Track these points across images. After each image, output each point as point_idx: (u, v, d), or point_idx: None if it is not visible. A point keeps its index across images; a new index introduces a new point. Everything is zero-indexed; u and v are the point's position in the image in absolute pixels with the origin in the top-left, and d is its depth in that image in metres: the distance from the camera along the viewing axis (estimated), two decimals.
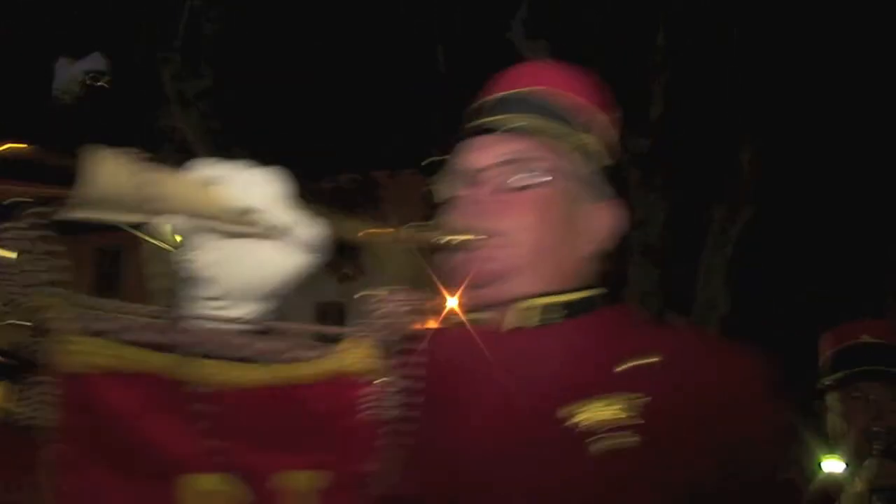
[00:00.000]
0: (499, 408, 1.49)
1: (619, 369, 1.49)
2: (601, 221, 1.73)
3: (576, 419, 1.42)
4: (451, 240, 1.58)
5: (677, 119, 10.59)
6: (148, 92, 12.94)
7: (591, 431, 1.40)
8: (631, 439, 1.39)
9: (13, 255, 1.04)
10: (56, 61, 11.22)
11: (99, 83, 10.77)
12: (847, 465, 3.29)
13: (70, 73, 10.87)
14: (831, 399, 3.52)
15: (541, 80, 1.73)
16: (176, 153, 12.26)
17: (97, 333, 1.09)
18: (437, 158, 1.75)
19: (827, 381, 3.53)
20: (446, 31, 11.73)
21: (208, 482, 1.13)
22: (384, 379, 1.29)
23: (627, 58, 10.85)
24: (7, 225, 1.05)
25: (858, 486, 3.13)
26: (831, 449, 3.47)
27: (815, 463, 3.38)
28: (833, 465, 3.38)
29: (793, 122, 10.67)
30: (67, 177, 1.06)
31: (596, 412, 1.42)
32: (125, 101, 13.35)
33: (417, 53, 11.90)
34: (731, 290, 10.58)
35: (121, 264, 26.32)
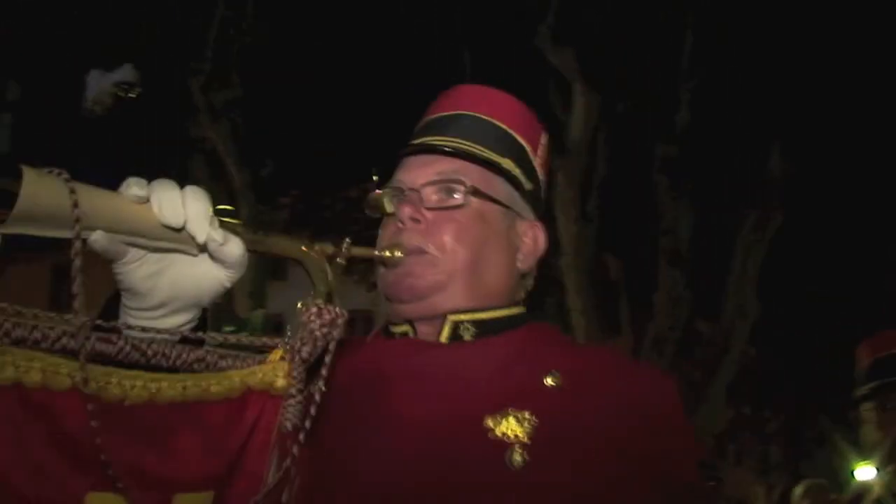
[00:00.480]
0: (420, 418, 1.53)
1: (530, 387, 1.55)
2: (527, 242, 1.79)
3: (496, 430, 1.47)
4: (384, 255, 1.65)
5: (705, 125, 10.57)
6: (178, 103, 13.06)
7: (508, 443, 1.45)
8: (521, 457, 1.43)
9: None
10: (88, 73, 11.32)
11: (130, 94, 10.86)
12: (878, 471, 3.27)
13: (101, 85, 10.96)
14: (866, 409, 3.49)
15: (479, 105, 1.81)
16: (206, 163, 12.37)
17: (19, 342, 1.09)
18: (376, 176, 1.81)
19: (862, 391, 3.50)
20: (474, 38, 11.77)
21: (110, 501, 1.13)
22: (293, 393, 1.31)
23: (654, 64, 10.85)
24: None
25: (877, 490, 3.12)
26: (865, 457, 3.45)
27: (848, 471, 3.37)
28: (866, 472, 3.36)
29: (822, 126, 10.61)
30: (2, 197, 1.08)
31: (510, 426, 1.48)
32: (156, 112, 13.48)
33: (444, 61, 11.94)
34: (762, 297, 10.52)
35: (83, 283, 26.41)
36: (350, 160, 13.93)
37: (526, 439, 1.46)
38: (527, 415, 1.49)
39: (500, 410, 1.50)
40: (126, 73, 10.88)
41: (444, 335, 1.66)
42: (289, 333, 1.35)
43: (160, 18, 12.48)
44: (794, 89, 10.19)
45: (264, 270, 11.92)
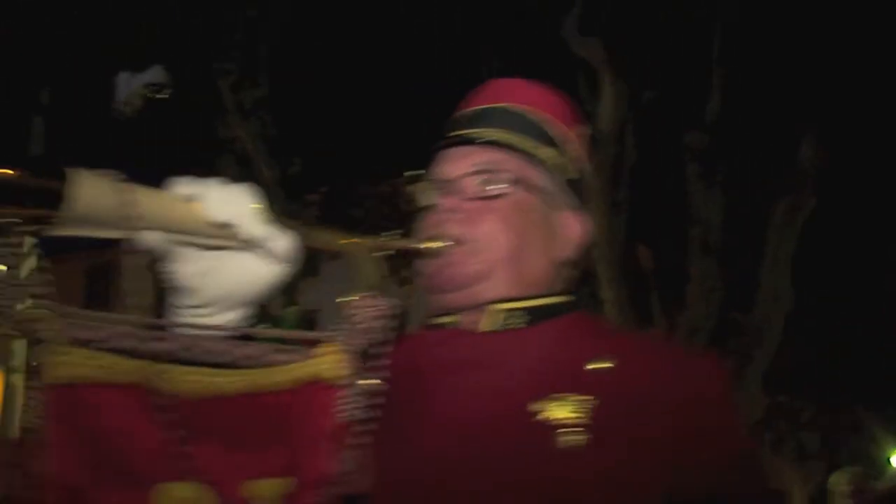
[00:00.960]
0: (470, 406, 1.55)
1: (579, 371, 1.57)
2: (567, 231, 1.80)
3: (545, 414, 1.49)
4: (424, 247, 1.67)
5: (736, 112, 10.48)
6: (207, 103, 13.13)
7: (558, 426, 1.47)
8: (581, 437, 1.45)
9: (2, 269, 1.08)
10: (117, 76, 11.44)
11: (160, 96, 10.96)
12: None
13: (131, 87, 11.08)
14: None
15: (514, 96, 1.83)
16: (235, 162, 12.45)
17: (82, 343, 1.12)
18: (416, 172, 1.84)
19: None
20: (499, 32, 11.74)
21: (181, 490, 1.16)
22: (353, 383, 1.32)
23: (683, 52, 10.77)
24: None
25: None
26: None
27: (884, 458, 3.36)
28: None
29: (854, 111, 10.50)
30: (53, 198, 1.10)
31: (559, 410, 1.49)
32: (185, 113, 13.57)
33: (470, 56, 11.92)
34: (796, 285, 10.43)
35: (111, 283, 26.70)
36: (378, 157, 13.99)
37: (577, 422, 1.47)
38: (577, 397, 1.51)
39: (549, 395, 1.52)
40: (155, 74, 10.99)
41: (487, 324, 1.68)
42: (340, 326, 1.37)
43: (188, 19, 12.55)
44: (826, 74, 10.09)
45: (298, 267, 11.94)
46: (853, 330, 13.79)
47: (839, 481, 6.87)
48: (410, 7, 12.44)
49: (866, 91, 10.39)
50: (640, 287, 11.22)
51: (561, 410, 1.48)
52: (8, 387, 1.11)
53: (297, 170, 12.89)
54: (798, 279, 10.50)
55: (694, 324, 10.34)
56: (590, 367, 1.57)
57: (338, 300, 1.38)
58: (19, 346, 1.11)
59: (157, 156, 13.02)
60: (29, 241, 1.12)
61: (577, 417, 1.47)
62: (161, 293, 1.42)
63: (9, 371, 1.06)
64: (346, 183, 14.39)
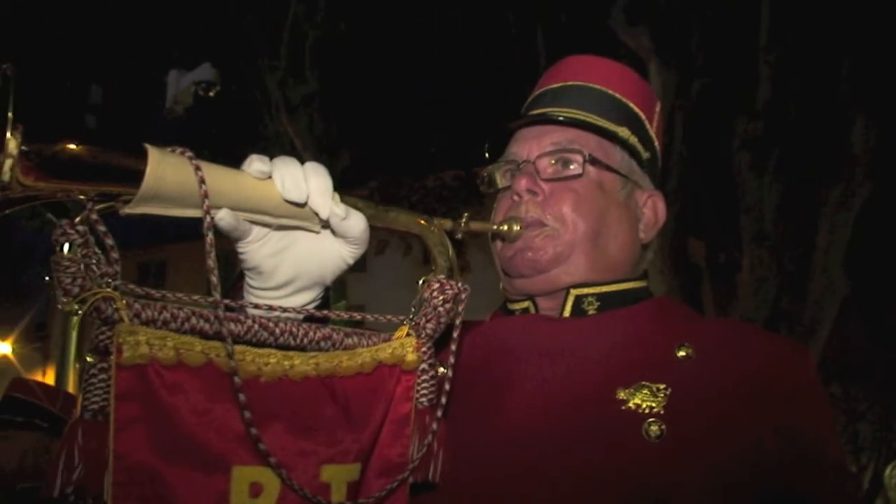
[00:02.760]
0: (554, 391, 1.51)
1: (665, 359, 1.52)
2: (646, 212, 1.76)
3: (631, 403, 1.45)
4: (503, 229, 1.63)
5: (786, 99, 10.34)
6: (256, 99, 13.23)
7: (643, 415, 1.43)
8: (665, 427, 1.41)
9: (71, 248, 1.07)
10: (167, 74, 11.55)
11: (209, 93, 11.05)
12: None
13: (181, 85, 11.18)
14: None
15: (590, 74, 1.78)
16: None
17: (150, 322, 1.11)
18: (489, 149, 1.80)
19: None
20: (547, 22, 11.70)
21: (257, 474, 1.16)
22: (425, 368, 1.31)
23: (732, 39, 10.65)
24: (65, 221, 1.08)
25: None
26: None
27: None
28: None
29: None
30: (129, 175, 1.09)
31: (644, 399, 1.46)
32: (234, 109, 13.68)
33: (518, 45, 11.89)
34: (850, 274, 10.27)
35: (165, 278, 26.90)
36: (426, 150, 14.00)
37: (661, 411, 1.43)
38: (661, 386, 1.46)
39: (633, 383, 1.48)
40: (205, 72, 11.08)
41: (567, 310, 1.64)
42: (413, 309, 1.36)
43: (236, 17, 12.65)
44: (876, 57, 9.90)
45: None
46: None
47: (894, 473, 6.75)
48: (456, 1, 12.43)
49: None
50: (691, 279, 11.12)
51: (646, 399, 1.45)
52: (82, 367, 1.11)
53: (346, 164, 12.95)
54: (852, 268, 10.33)
55: (746, 315, 10.22)
56: (676, 354, 1.52)
57: (420, 282, 1.37)
58: (90, 327, 1.11)
59: (207, 152, 13.15)
60: (97, 219, 1.12)
61: (655, 406, 1.44)
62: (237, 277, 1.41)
63: (82, 351, 1.06)
64: (393, 177, 14.42)
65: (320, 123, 12.71)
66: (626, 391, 1.47)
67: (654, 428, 1.41)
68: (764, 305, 10.31)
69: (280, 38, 12.57)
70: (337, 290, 11.66)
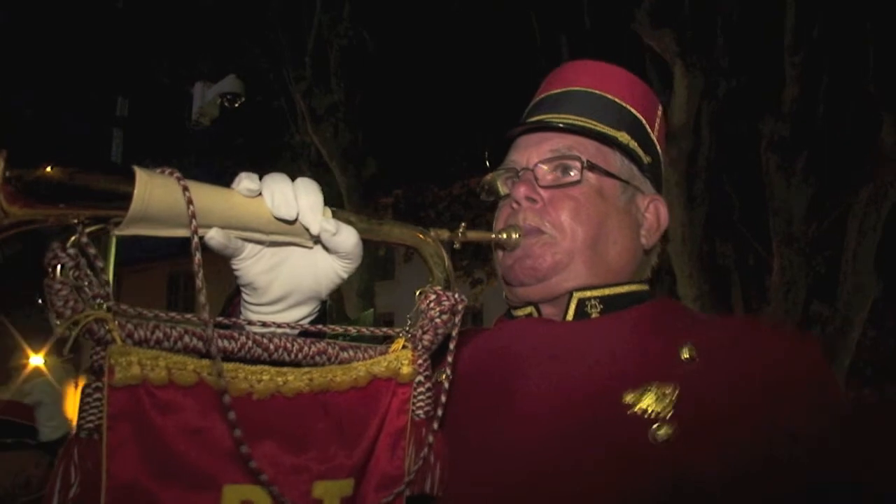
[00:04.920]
0: (559, 394, 1.50)
1: (669, 361, 1.50)
2: (647, 217, 1.75)
3: (636, 407, 1.43)
4: (500, 237, 1.63)
5: (814, 100, 10.26)
6: (281, 109, 13.31)
7: (650, 419, 1.41)
8: (672, 429, 1.39)
9: (63, 271, 1.07)
10: (193, 86, 11.65)
11: (235, 105, 11.13)
12: None
13: (207, 97, 11.26)
14: None
15: (588, 80, 1.77)
16: (309, 167, 12.59)
17: (143, 342, 1.11)
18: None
19: None
20: (570, 26, 11.68)
21: (248, 492, 1.16)
22: (421, 380, 1.31)
23: (758, 41, 10.58)
24: (56, 244, 1.08)
25: None
26: None
27: None
28: None
29: None
30: (117, 197, 1.09)
31: (650, 401, 1.44)
32: (260, 120, 13.78)
33: (542, 51, 11.88)
34: (882, 273, 10.15)
35: (194, 290, 27.06)
36: (451, 157, 14.01)
37: (668, 414, 1.41)
38: (667, 389, 1.44)
39: (640, 385, 1.46)
40: (230, 83, 11.16)
41: (571, 313, 1.64)
42: (409, 321, 1.35)
43: (260, 28, 12.74)
44: None
45: (372, 270, 12.09)
46: None
47: None
48: (481, 8, 12.44)
49: None
50: (721, 282, 11.05)
51: (653, 402, 1.43)
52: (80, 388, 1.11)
53: (372, 172, 13.00)
54: (883, 268, 10.21)
55: (776, 317, 10.13)
56: (681, 356, 1.50)
57: (416, 294, 1.37)
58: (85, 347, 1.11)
59: (233, 163, 13.24)
60: (87, 242, 1.12)
61: (667, 408, 1.42)
62: (231, 294, 1.42)
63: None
64: (419, 184, 14.45)
65: (346, 132, 12.76)
66: (633, 394, 1.45)
67: (661, 432, 1.39)
68: (794, 308, 10.21)
69: (305, 49, 12.64)
70: (364, 299, 11.70)
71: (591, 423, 1.44)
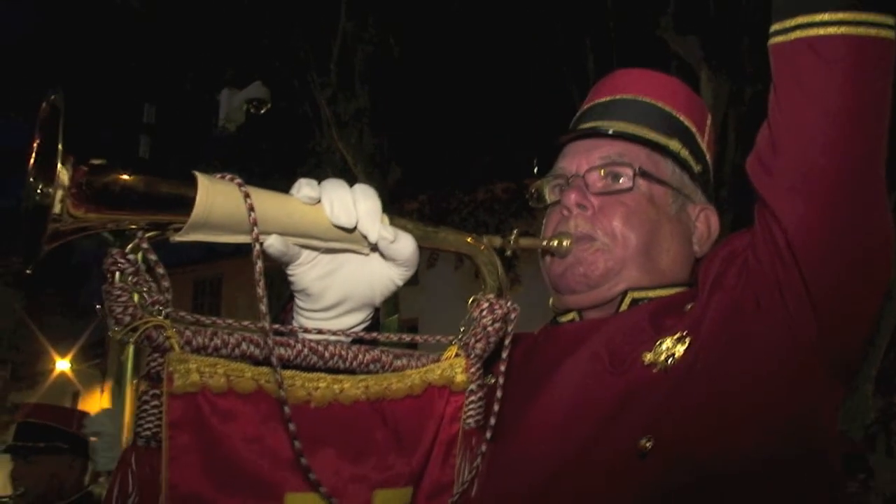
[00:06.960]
0: (575, 377, 1.51)
1: (677, 316, 1.51)
2: (698, 226, 1.73)
3: (659, 358, 1.44)
4: (551, 245, 1.61)
5: None
6: (306, 115, 13.34)
7: (664, 365, 1.42)
8: (684, 368, 1.41)
9: (122, 277, 1.08)
10: (219, 93, 11.68)
11: (261, 111, 11.16)
12: None
13: (233, 103, 11.29)
14: None
15: (638, 88, 1.76)
16: (335, 173, 12.61)
17: (201, 349, 1.12)
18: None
19: None
20: (596, 32, 11.64)
21: (309, 500, 1.15)
22: (473, 389, 1.31)
23: None
24: (116, 251, 1.09)
25: None
26: None
27: None
28: None
29: None
30: (179, 203, 1.10)
31: (668, 344, 1.45)
32: (285, 126, 13.81)
33: (567, 57, 11.85)
34: None
35: (220, 295, 27.15)
36: (475, 162, 13.99)
37: (688, 345, 1.43)
38: (685, 332, 1.46)
39: (657, 339, 1.47)
40: (256, 90, 11.18)
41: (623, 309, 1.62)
42: (462, 329, 1.35)
43: (286, 35, 12.77)
44: None
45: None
46: None
47: None
48: (505, 7, 12.40)
49: None
50: None
51: (665, 346, 1.45)
52: (136, 395, 1.12)
53: (397, 177, 13.00)
54: None
55: None
56: (685, 308, 1.52)
57: (469, 302, 1.37)
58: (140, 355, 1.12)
59: (259, 169, 13.29)
60: (148, 248, 1.13)
61: (680, 351, 1.43)
62: (286, 302, 1.42)
63: (135, 379, 1.07)
64: (444, 190, 14.43)
65: (371, 138, 12.78)
66: (651, 351, 1.47)
67: (673, 368, 1.41)
68: None
69: (330, 55, 12.67)
70: (389, 304, 11.68)
71: (616, 389, 1.45)
